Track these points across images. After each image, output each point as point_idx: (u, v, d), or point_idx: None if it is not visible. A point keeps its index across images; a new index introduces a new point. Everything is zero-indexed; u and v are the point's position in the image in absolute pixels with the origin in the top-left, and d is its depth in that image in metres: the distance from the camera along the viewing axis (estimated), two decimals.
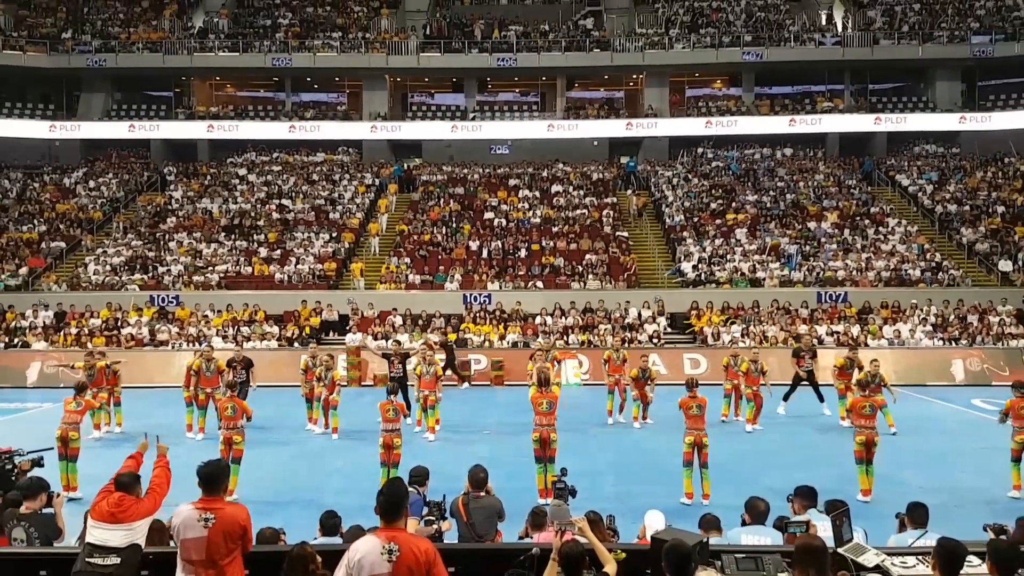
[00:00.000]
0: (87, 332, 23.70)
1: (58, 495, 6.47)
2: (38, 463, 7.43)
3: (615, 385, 17.00)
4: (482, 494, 7.17)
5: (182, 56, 34.54)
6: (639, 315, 24.79)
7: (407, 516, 4.80)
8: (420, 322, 24.57)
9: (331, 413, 15.53)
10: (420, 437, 15.01)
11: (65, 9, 37.51)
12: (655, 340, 23.53)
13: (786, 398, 17.37)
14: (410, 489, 7.22)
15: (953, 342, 23.10)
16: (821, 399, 17.31)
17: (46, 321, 24.77)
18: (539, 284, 26.58)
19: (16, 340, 23.97)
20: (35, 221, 30.59)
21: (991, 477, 11.88)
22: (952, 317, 24.12)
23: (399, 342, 19.90)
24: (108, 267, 27.53)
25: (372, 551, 4.53)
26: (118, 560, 5.29)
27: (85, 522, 6.01)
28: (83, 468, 11.58)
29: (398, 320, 24.42)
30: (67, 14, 37.18)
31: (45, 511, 6.40)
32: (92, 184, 33.58)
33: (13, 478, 7.21)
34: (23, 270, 27.62)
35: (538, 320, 24.54)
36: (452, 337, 23.63)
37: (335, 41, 35.23)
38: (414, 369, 16.04)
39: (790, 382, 17.58)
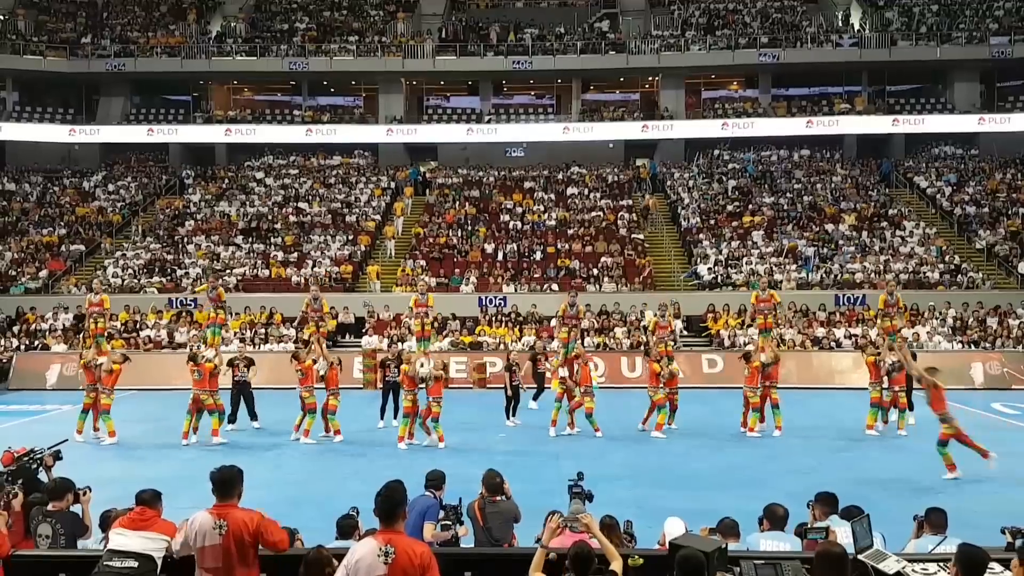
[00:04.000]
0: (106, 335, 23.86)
1: (85, 492, 6.52)
2: (58, 456, 7.52)
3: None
4: (498, 498, 7.15)
5: (200, 60, 34.79)
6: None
7: (404, 518, 4.84)
8: (435, 324, 24.56)
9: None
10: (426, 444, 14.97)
11: (85, 14, 37.88)
12: (672, 343, 23.41)
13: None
14: (426, 493, 7.24)
15: (972, 345, 22.91)
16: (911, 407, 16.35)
17: (66, 324, 24.98)
18: (554, 287, 26.54)
19: (36, 342, 24.19)
20: (55, 224, 30.89)
21: (1011, 481, 11.75)
22: (971, 320, 23.91)
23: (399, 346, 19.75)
24: (127, 270, 27.74)
25: (369, 553, 4.61)
26: (135, 564, 5.31)
27: (104, 530, 6.02)
28: (100, 472, 11.64)
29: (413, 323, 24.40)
30: (87, 19, 37.53)
31: (72, 508, 6.46)
32: (111, 188, 33.88)
33: (38, 475, 7.30)
34: (43, 273, 27.88)
35: (552, 323, 24.47)
36: (468, 339, 23.69)
37: (351, 45, 35.36)
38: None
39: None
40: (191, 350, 17.05)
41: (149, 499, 5.70)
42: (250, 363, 16.96)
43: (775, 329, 17.00)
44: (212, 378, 15.27)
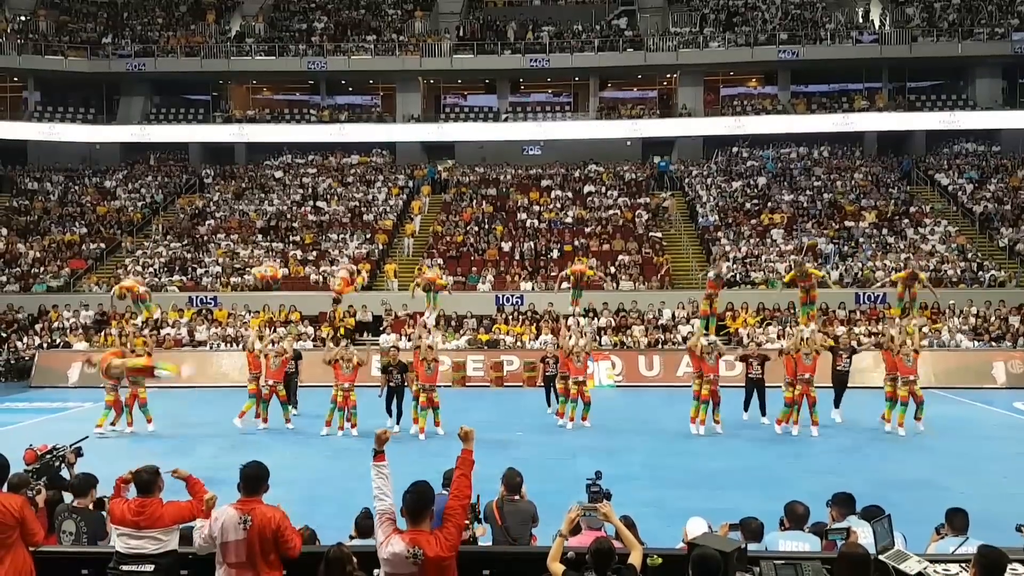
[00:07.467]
0: (127, 333, 24.06)
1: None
2: (80, 453, 7.58)
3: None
4: (516, 497, 7.16)
5: (219, 60, 35.05)
6: (673, 316, 24.63)
7: (432, 518, 4.89)
8: (453, 323, 24.64)
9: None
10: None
11: (105, 15, 38.21)
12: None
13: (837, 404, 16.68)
14: (444, 492, 7.24)
15: (995, 342, 22.65)
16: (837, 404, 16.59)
17: (87, 322, 25.22)
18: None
19: (58, 340, 24.42)
20: (76, 223, 31.18)
21: None
22: (993, 318, 23.66)
23: (398, 348, 18.66)
24: (148, 268, 27.94)
25: (399, 553, 4.72)
26: (151, 568, 5.34)
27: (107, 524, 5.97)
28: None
29: (430, 321, 24.43)
30: (107, 20, 37.86)
31: (101, 512, 6.48)
32: (132, 187, 34.15)
33: (60, 472, 7.36)
34: (65, 271, 28.15)
35: (570, 321, 24.39)
36: (485, 338, 23.71)
37: (369, 44, 35.48)
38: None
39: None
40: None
41: (148, 481, 5.61)
42: (298, 356, 17.84)
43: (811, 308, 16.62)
44: (256, 363, 16.43)
